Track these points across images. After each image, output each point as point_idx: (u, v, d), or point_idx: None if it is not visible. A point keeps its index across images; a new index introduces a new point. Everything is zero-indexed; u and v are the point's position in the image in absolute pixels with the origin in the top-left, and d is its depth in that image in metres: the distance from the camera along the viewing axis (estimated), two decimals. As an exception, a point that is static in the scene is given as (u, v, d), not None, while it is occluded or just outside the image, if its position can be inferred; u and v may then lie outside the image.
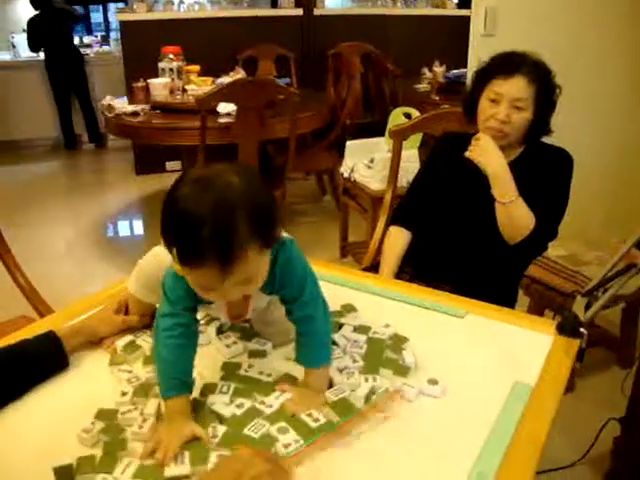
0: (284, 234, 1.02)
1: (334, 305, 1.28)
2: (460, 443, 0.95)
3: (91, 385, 1.10)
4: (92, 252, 3.94)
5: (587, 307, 1.21)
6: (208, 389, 1.05)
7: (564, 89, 1.71)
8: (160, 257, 1.11)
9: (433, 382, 1.07)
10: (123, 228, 4.54)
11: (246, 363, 1.13)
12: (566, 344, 1.19)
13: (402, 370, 1.12)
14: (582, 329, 1.18)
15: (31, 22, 5.88)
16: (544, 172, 1.71)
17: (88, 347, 1.20)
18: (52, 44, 5.88)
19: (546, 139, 1.76)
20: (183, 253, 0.87)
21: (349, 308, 1.32)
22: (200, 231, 0.83)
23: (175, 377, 0.99)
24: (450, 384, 1.09)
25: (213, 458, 0.90)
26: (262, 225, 0.88)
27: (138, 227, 4.55)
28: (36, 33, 5.88)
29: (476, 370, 1.14)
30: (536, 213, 1.65)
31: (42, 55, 6.14)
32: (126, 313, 1.26)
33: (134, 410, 1.00)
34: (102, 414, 1.00)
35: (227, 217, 0.84)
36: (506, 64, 1.69)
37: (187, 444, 0.93)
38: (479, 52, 2.81)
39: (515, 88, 1.65)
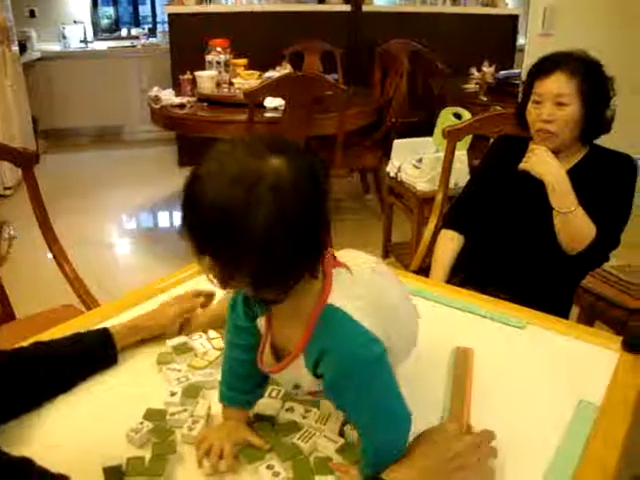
0: (334, 302, 0.79)
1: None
2: (522, 465, 0.89)
3: (140, 383, 1.08)
4: (131, 242, 3.98)
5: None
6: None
7: (622, 92, 1.63)
8: None
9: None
10: (163, 219, 4.54)
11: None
12: (633, 362, 1.13)
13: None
14: (652, 347, 1.12)
15: None
16: (605, 178, 1.63)
17: (139, 344, 1.17)
18: None
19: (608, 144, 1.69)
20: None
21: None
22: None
23: (234, 388, 0.94)
24: (512, 399, 1.04)
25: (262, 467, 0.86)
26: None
27: (178, 219, 4.54)
28: None
29: (539, 385, 1.08)
30: (597, 222, 1.58)
31: (93, 46, 6.22)
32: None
33: (183, 411, 0.97)
34: (151, 414, 0.97)
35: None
36: (545, 64, 1.64)
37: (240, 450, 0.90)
38: (536, 52, 2.73)
39: (555, 84, 1.60)
